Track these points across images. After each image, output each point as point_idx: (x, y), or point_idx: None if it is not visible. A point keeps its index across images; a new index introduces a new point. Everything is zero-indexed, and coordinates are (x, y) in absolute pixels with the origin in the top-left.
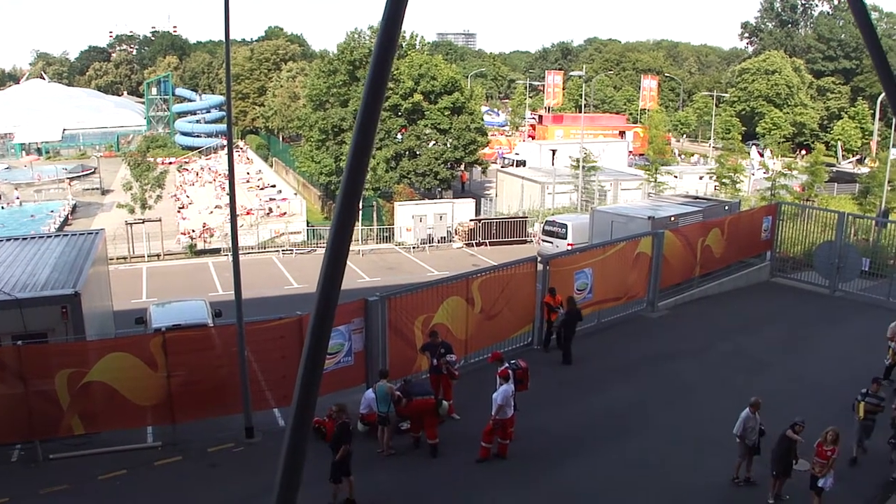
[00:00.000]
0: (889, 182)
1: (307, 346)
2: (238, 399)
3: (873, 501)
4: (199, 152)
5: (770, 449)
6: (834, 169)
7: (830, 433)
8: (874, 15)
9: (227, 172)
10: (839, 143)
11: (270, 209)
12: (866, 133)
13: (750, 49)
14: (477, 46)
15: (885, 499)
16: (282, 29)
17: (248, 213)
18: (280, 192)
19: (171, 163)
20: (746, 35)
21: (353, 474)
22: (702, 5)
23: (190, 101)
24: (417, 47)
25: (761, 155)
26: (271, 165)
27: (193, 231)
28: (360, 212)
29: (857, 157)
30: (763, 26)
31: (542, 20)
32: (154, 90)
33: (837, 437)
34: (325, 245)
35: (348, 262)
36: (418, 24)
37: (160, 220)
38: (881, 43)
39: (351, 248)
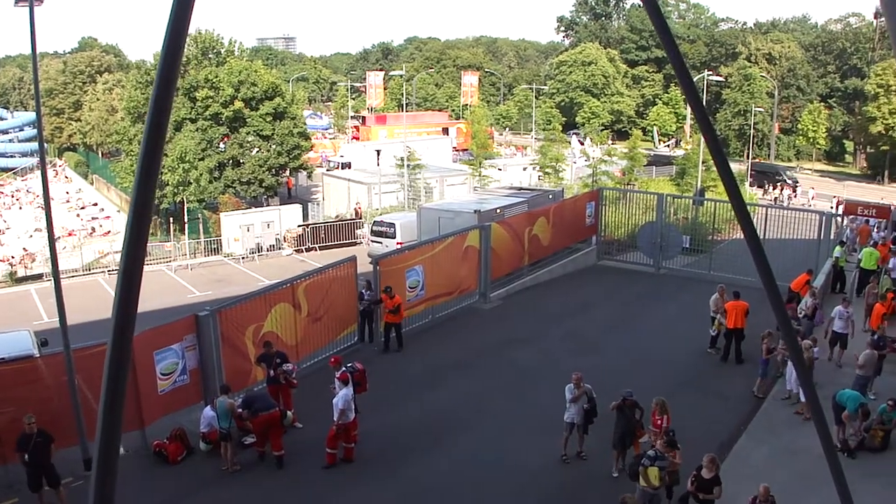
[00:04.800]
0: (703, 162)
1: (106, 374)
2: (73, 430)
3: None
4: (14, 173)
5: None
6: (651, 153)
7: (654, 403)
8: (682, 6)
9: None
10: (655, 128)
11: (93, 228)
12: (680, 117)
13: (566, 42)
14: (297, 50)
15: (719, 461)
16: (96, 39)
17: (69, 235)
18: (102, 210)
19: None
20: (562, 29)
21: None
22: (519, 1)
23: (1, 119)
24: (236, 54)
25: (582, 143)
26: (92, 183)
27: (13, 257)
28: (186, 225)
29: (673, 140)
30: (578, 20)
31: (361, 21)
32: None
33: (662, 406)
34: (151, 261)
35: (177, 278)
36: (237, 30)
37: None
38: (678, 35)
39: (179, 263)
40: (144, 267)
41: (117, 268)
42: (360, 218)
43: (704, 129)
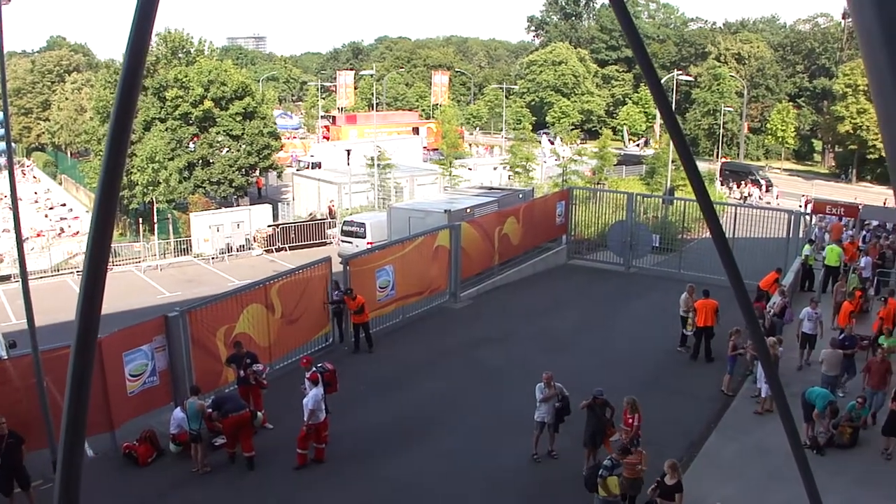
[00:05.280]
0: (672, 161)
1: (71, 377)
2: (42, 433)
3: (679, 462)
4: None
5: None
6: (621, 152)
7: (625, 402)
8: (652, 6)
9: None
10: (625, 127)
11: (62, 229)
12: (650, 117)
13: (537, 42)
14: (267, 50)
15: (689, 460)
16: (65, 38)
17: (38, 236)
18: (71, 210)
19: None
20: (533, 28)
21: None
22: (489, 1)
23: None
24: (206, 53)
25: (552, 143)
26: (60, 183)
27: None
28: (156, 225)
29: (643, 140)
30: (548, 19)
31: (332, 21)
32: None
33: (633, 405)
34: (120, 262)
35: (147, 279)
36: (206, 29)
37: None
38: (648, 35)
39: (149, 263)
40: (114, 268)
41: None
42: (334, 216)
43: (671, 127)
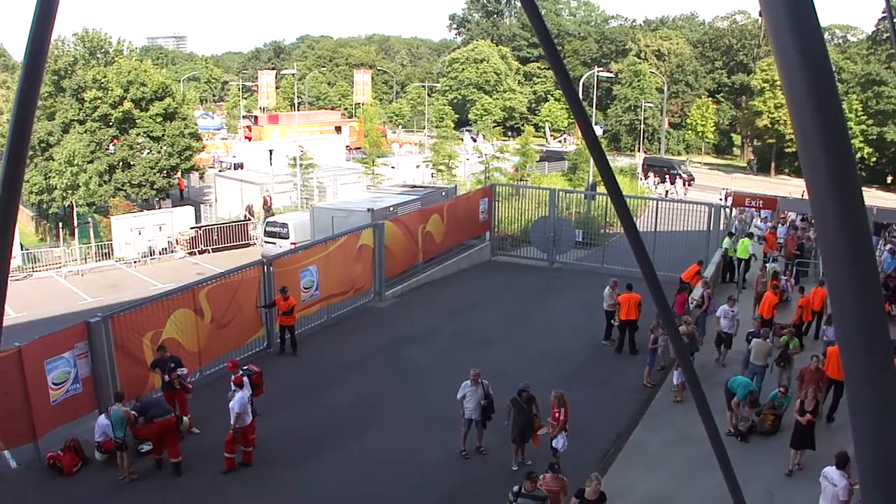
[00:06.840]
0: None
1: None
2: None
3: (606, 454)
4: None
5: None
6: (544, 149)
7: (553, 396)
8: (573, 3)
9: None
10: (547, 124)
11: None
12: (571, 113)
13: (459, 40)
14: (188, 49)
15: (616, 451)
16: None
17: None
18: None
19: None
20: (455, 26)
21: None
22: None
23: None
24: (125, 53)
25: (474, 140)
26: None
27: None
28: (76, 229)
29: (564, 135)
30: (470, 17)
31: (253, 20)
32: None
33: (560, 399)
34: (40, 268)
35: (68, 284)
36: (125, 29)
37: None
38: (569, 33)
39: (70, 269)
40: (34, 274)
41: None
42: (270, 209)
43: (581, 124)
